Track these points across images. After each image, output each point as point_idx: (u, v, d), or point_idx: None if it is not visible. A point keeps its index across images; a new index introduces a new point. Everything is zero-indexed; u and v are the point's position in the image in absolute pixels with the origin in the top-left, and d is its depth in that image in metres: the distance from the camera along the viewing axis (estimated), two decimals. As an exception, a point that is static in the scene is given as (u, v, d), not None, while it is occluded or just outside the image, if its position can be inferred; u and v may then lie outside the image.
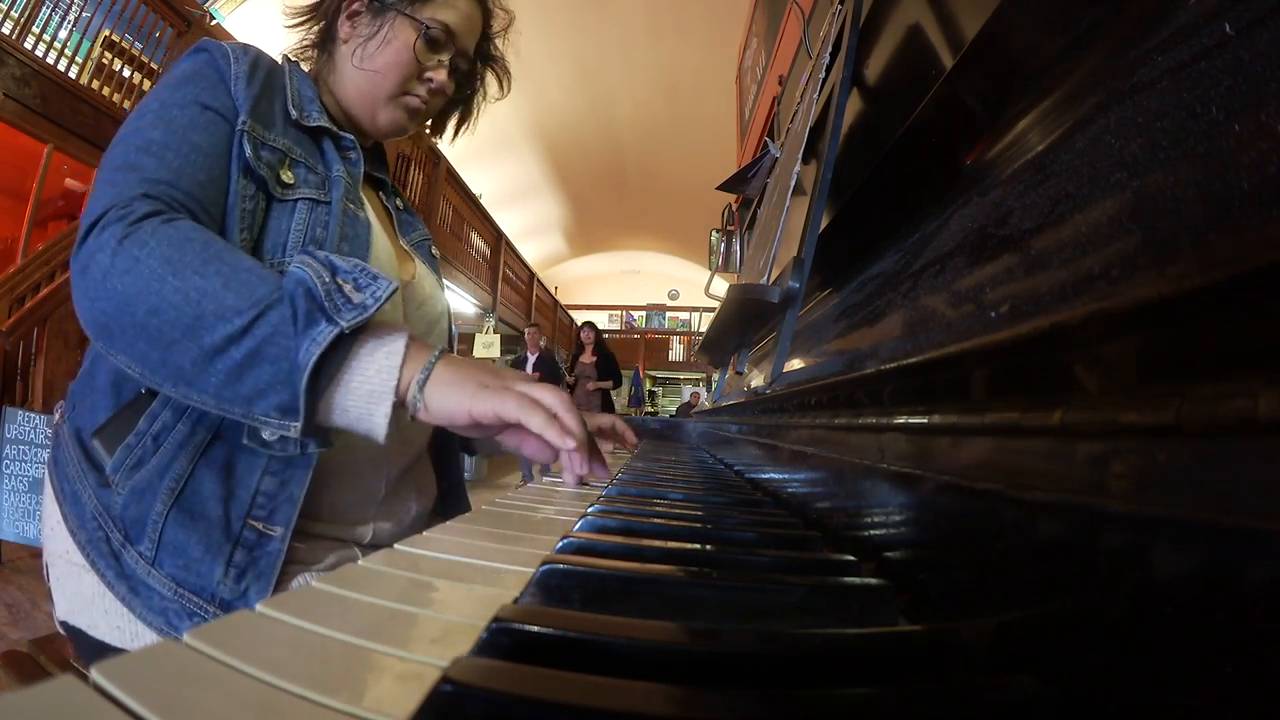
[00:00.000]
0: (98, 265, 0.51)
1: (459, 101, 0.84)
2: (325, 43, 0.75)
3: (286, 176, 0.63)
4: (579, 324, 5.93)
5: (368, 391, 0.50)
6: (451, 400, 0.51)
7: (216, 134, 0.60)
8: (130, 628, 0.56)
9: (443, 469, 0.83)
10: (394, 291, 0.51)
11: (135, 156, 0.56)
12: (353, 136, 0.70)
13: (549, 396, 0.53)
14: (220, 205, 0.60)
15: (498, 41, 0.83)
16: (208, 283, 0.49)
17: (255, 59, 0.66)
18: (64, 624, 0.60)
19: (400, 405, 0.51)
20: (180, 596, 0.55)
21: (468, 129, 0.89)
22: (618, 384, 5.59)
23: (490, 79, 0.85)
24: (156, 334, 0.49)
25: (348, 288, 0.51)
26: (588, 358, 5.49)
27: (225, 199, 0.60)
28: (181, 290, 0.49)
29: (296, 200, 0.63)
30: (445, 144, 0.90)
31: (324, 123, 0.68)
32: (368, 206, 0.70)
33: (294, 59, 0.75)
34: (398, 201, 0.84)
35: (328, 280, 0.50)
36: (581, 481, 0.61)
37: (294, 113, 0.66)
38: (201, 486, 0.57)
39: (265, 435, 0.53)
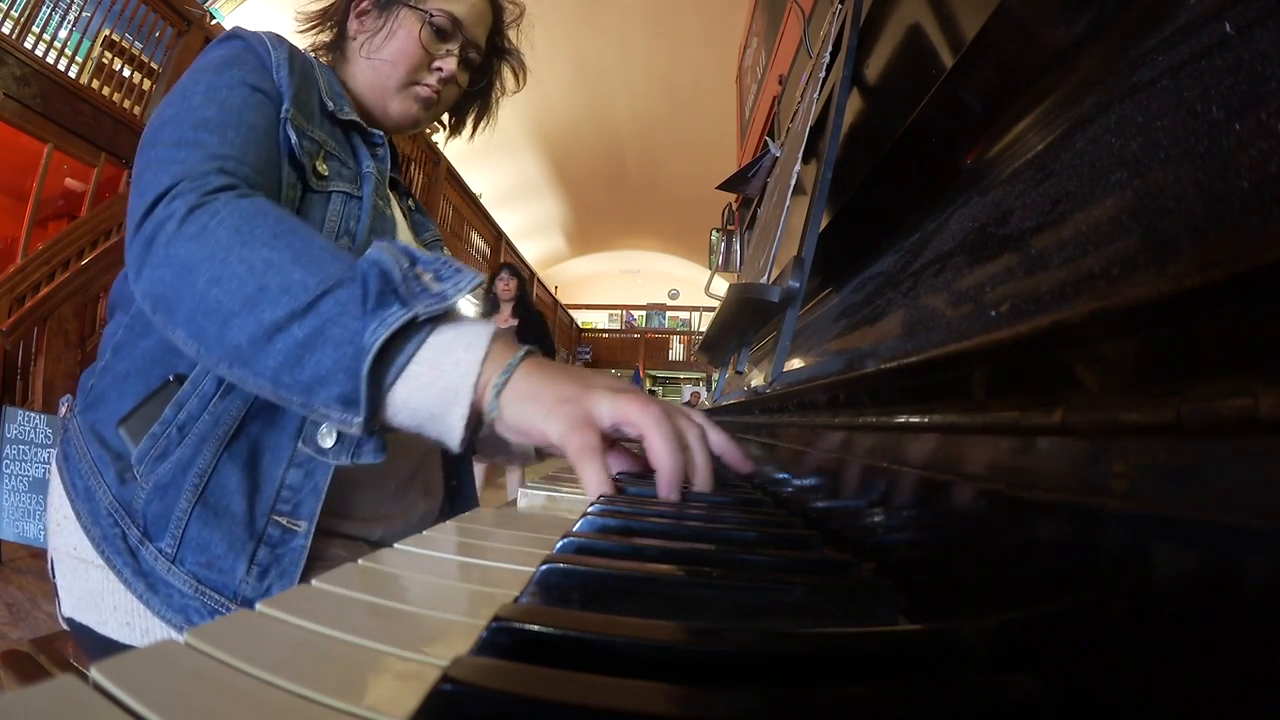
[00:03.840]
0: (165, 233, 0.48)
1: (475, 95, 0.84)
2: (337, 42, 0.76)
3: (322, 168, 0.63)
4: (501, 266, 3.79)
5: (441, 388, 0.44)
6: (526, 415, 0.43)
7: (269, 116, 0.59)
8: (140, 623, 0.56)
9: (452, 468, 0.83)
10: (479, 284, 0.47)
11: (194, 134, 0.54)
12: (381, 133, 0.71)
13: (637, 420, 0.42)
14: (278, 186, 0.59)
15: (510, 34, 0.83)
16: (276, 255, 0.46)
17: (291, 50, 0.66)
18: (70, 620, 0.60)
19: (478, 413, 0.45)
20: (201, 594, 0.54)
21: (487, 124, 0.89)
22: (549, 356, 3.52)
23: (505, 72, 0.85)
24: (215, 305, 0.46)
25: (427, 277, 0.46)
26: (505, 319, 3.54)
27: (279, 181, 0.59)
28: (247, 261, 0.46)
29: (331, 192, 0.63)
30: (463, 140, 0.89)
31: (354, 117, 0.68)
32: (393, 204, 0.71)
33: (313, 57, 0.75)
34: (410, 202, 0.84)
35: (405, 266, 0.46)
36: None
37: (329, 104, 0.66)
38: (226, 481, 0.56)
39: (322, 443, 0.51)
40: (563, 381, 0.44)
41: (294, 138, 0.60)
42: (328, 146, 0.64)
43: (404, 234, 0.70)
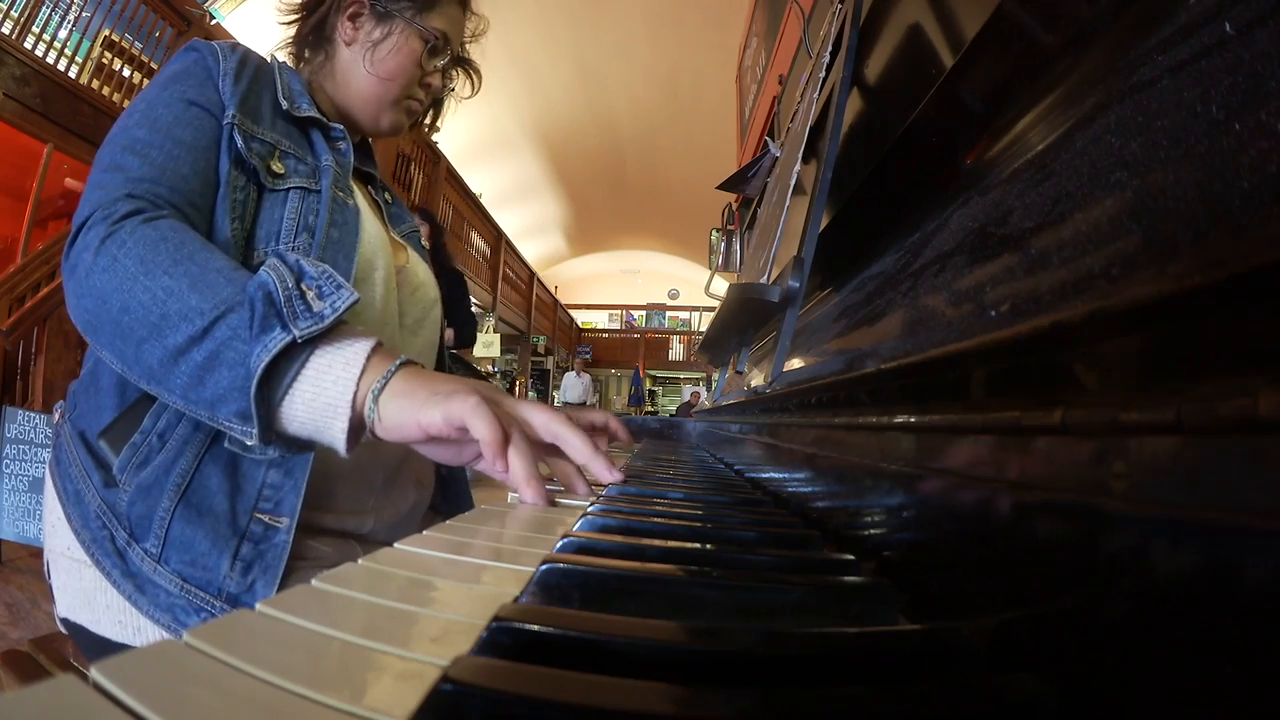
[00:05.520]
0: (83, 264, 0.53)
1: (438, 100, 0.86)
2: (320, 43, 0.76)
3: (277, 167, 0.64)
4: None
5: (323, 403, 0.48)
6: (401, 411, 0.47)
7: (202, 128, 0.61)
8: (133, 622, 0.57)
9: None
10: (353, 303, 0.50)
11: (121, 157, 0.58)
12: (342, 127, 0.72)
13: (510, 407, 0.48)
14: (207, 197, 0.61)
15: (468, 45, 0.85)
16: (175, 282, 0.50)
17: (243, 56, 0.68)
18: (65, 620, 0.61)
19: (359, 419, 0.48)
20: (186, 592, 0.55)
21: (439, 122, 0.90)
22: (467, 340, 3.06)
23: (461, 78, 0.86)
24: (128, 331, 0.50)
25: (310, 294, 0.49)
26: None
27: (213, 191, 0.61)
28: (150, 289, 0.50)
29: (288, 190, 0.64)
30: (452, 138, 0.91)
31: (313, 113, 0.69)
32: (357, 194, 0.71)
33: (281, 59, 0.76)
34: (387, 195, 0.85)
35: (290, 285, 0.49)
36: (552, 501, 0.50)
37: (284, 104, 0.68)
38: (208, 482, 0.58)
39: (246, 440, 0.52)
40: (437, 381, 0.48)
41: (241, 142, 0.62)
42: (282, 145, 0.66)
43: (370, 224, 0.70)
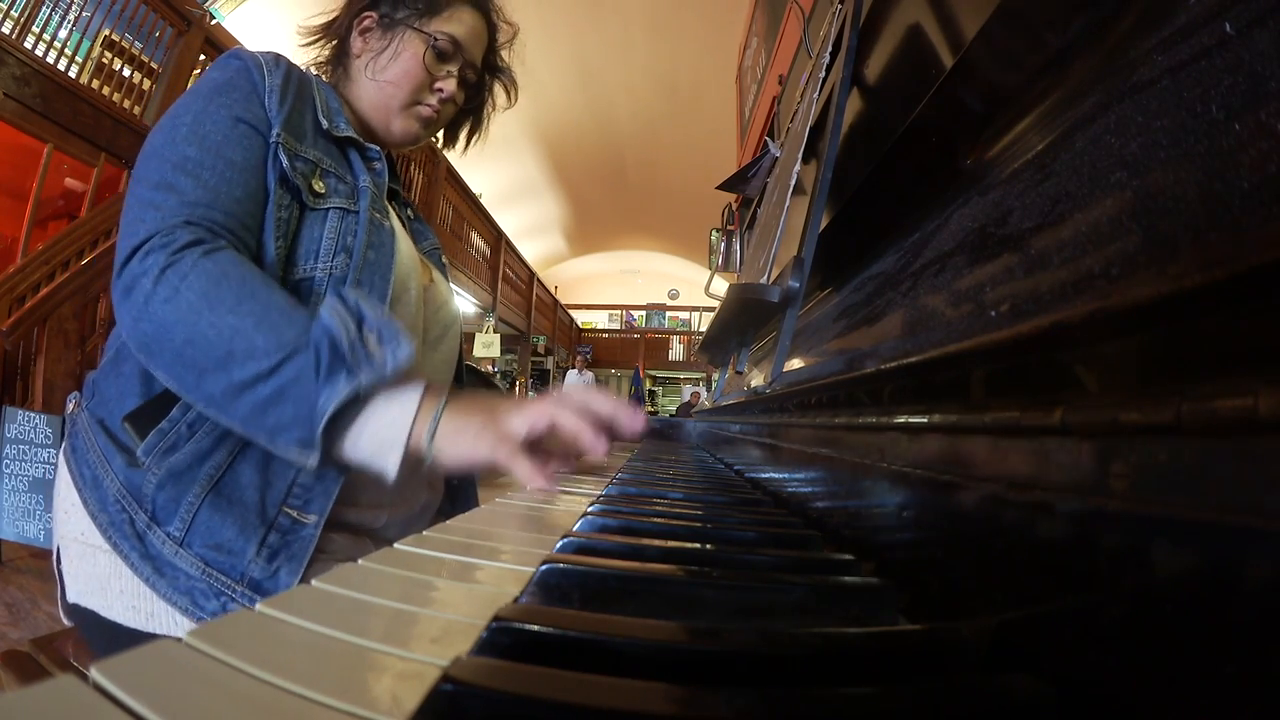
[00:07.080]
0: (141, 289, 0.54)
1: (469, 112, 0.87)
2: (340, 58, 0.78)
3: (318, 186, 0.65)
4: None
5: (381, 440, 0.54)
6: (459, 450, 0.54)
7: (250, 147, 0.62)
8: (146, 606, 0.57)
9: None
10: (410, 356, 0.54)
11: (173, 175, 0.58)
12: (378, 148, 0.73)
13: (541, 424, 0.55)
14: (257, 217, 0.62)
15: (503, 53, 0.86)
16: (240, 321, 0.53)
17: (288, 71, 0.68)
18: (74, 606, 0.61)
19: (417, 455, 0.54)
20: (208, 576, 0.56)
21: (479, 139, 0.92)
22: None
23: (498, 89, 0.88)
24: (191, 361, 0.53)
25: (371, 341, 0.54)
26: None
27: (262, 210, 0.62)
28: (215, 326, 0.53)
29: (328, 209, 0.65)
30: (457, 153, 0.92)
31: (351, 133, 0.70)
32: (392, 215, 0.72)
33: (316, 73, 0.77)
34: (409, 211, 0.86)
35: (353, 332, 0.53)
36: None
37: (325, 123, 0.69)
38: (240, 476, 0.59)
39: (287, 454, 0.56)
40: (477, 416, 0.56)
41: (286, 161, 0.62)
42: (323, 164, 0.66)
43: (403, 244, 0.71)
